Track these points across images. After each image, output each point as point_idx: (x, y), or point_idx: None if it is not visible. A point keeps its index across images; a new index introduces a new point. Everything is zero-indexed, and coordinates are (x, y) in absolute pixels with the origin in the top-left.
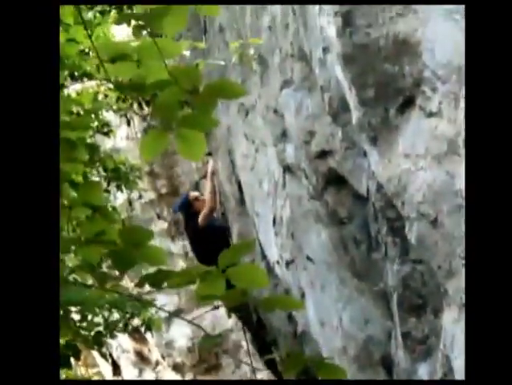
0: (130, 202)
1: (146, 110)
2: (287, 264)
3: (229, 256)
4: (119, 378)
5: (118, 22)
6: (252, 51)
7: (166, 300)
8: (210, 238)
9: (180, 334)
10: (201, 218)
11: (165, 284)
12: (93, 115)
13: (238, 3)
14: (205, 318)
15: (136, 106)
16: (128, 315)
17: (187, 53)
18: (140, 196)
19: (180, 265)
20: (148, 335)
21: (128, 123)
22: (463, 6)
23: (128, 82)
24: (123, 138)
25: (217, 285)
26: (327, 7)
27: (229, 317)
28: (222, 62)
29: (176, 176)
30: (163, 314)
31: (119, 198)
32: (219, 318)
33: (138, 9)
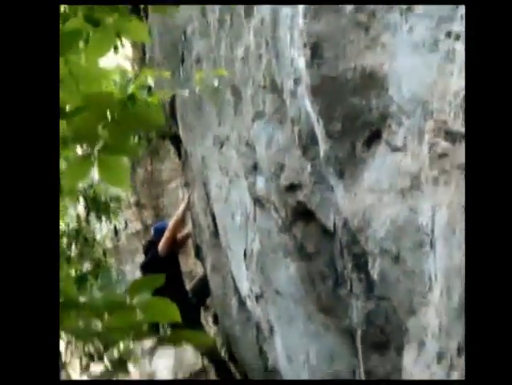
0: (116, 232)
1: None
2: (257, 298)
3: (137, 288)
4: None
5: None
6: (216, 82)
7: None
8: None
9: (163, 366)
10: (161, 243)
11: None
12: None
13: (234, 3)
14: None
15: None
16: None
17: (151, 82)
18: (126, 227)
19: None
20: (130, 367)
21: None
22: (429, 40)
23: None
24: None
25: (127, 317)
26: (297, 38)
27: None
28: (186, 93)
29: (163, 206)
30: (146, 346)
31: (104, 228)
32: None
33: None
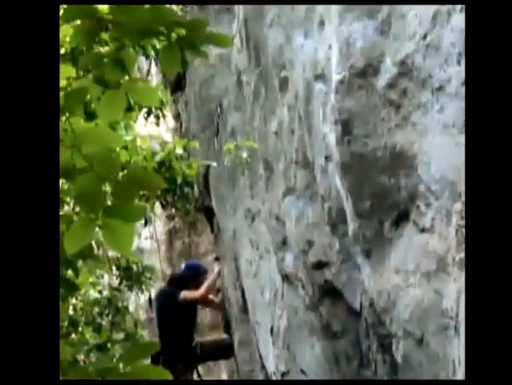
0: (150, 303)
1: (170, 211)
2: (282, 376)
3: (131, 355)
4: None
5: None
6: (244, 154)
7: None
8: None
9: None
10: (183, 294)
11: None
12: None
13: (239, 3)
14: None
15: (159, 206)
16: None
17: (179, 151)
18: None
19: None
20: None
21: (146, 224)
22: (460, 121)
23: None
24: (147, 238)
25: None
26: (329, 114)
27: None
28: (214, 164)
29: None
30: None
31: (138, 299)
32: None
33: None
